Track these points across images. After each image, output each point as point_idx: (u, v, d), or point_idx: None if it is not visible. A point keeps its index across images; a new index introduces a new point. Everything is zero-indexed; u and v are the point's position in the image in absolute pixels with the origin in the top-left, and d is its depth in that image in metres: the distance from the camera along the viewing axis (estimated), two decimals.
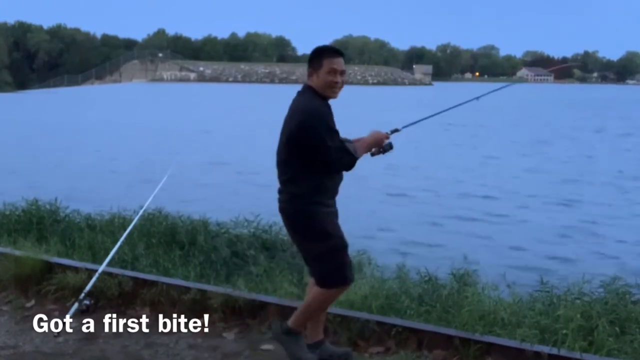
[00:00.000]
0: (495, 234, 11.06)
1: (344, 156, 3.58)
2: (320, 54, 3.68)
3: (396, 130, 3.96)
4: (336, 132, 3.60)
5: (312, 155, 3.54)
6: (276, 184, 3.73)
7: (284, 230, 6.36)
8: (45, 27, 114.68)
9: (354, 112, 26.82)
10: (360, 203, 12.16)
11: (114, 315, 4.81)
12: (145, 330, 4.59)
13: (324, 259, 3.62)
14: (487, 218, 12.29)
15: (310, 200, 3.59)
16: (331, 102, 3.70)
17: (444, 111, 4.36)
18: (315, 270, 3.71)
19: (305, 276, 5.14)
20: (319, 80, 3.64)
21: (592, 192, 15.31)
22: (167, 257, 5.79)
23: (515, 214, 12.68)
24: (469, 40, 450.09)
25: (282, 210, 3.70)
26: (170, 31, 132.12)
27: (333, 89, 3.65)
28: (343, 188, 3.77)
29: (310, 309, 3.75)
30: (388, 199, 13.98)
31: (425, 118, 4.24)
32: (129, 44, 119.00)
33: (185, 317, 4.67)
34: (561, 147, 24.39)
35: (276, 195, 3.71)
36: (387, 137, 3.85)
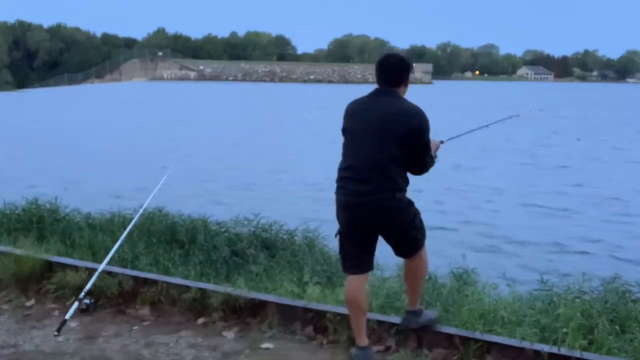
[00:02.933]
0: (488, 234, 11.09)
1: (431, 161, 3.92)
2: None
3: (442, 142, 4.26)
4: None
5: (414, 156, 3.78)
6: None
7: (284, 229, 6.41)
8: (45, 26, 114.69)
9: None
10: None
11: (114, 315, 4.81)
12: (145, 329, 4.59)
13: (416, 235, 3.91)
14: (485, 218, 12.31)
15: (405, 194, 3.83)
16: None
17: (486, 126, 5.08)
18: (409, 243, 3.93)
19: (306, 275, 5.15)
20: (405, 90, 3.89)
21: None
22: (167, 256, 5.79)
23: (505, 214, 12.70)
24: (469, 39, 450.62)
25: (383, 208, 3.74)
26: (170, 30, 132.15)
27: None
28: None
29: (419, 279, 4.08)
30: None
31: (468, 132, 4.71)
32: (129, 43, 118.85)
33: (185, 316, 4.67)
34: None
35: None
36: (438, 147, 4.13)
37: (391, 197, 3.74)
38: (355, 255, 3.90)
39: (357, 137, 3.80)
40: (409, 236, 3.91)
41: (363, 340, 3.92)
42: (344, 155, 3.86)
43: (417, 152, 3.79)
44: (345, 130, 3.89)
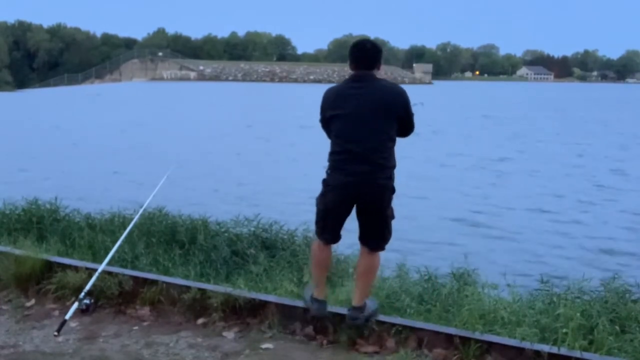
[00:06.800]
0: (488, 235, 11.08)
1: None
2: None
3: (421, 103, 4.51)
4: None
5: (406, 126, 4.03)
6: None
7: (284, 229, 6.40)
8: (45, 26, 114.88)
9: None
10: None
11: (114, 315, 4.81)
12: (145, 329, 4.59)
13: (389, 226, 4.09)
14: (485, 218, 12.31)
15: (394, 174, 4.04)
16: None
17: None
18: (381, 236, 4.09)
19: (305, 275, 5.15)
20: (378, 72, 4.10)
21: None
22: (167, 256, 5.78)
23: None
24: (469, 39, 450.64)
25: (380, 186, 3.92)
26: (170, 30, 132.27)
27: None
28: None
29: (373, 277, 4.28)
30: None
31: None
32: (129, 43, 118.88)
33: (185, 316, 4.67)
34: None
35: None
36: None
37: (388, 176, 3.95)
38: (335, 229, 4.13)
39: (353, 120, 3.93)
40: (388, 224, 4.08)
41: (322, 293, 4.27)
42: (339, 138, 3.97)
43: (408, 122, 4.05)
44: (333, 117, 4.01)
